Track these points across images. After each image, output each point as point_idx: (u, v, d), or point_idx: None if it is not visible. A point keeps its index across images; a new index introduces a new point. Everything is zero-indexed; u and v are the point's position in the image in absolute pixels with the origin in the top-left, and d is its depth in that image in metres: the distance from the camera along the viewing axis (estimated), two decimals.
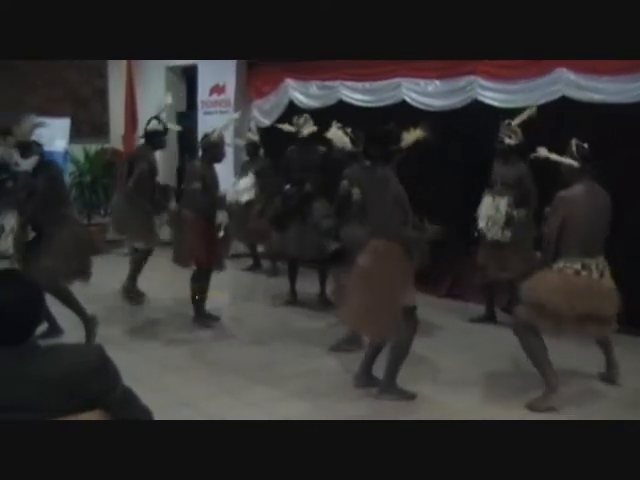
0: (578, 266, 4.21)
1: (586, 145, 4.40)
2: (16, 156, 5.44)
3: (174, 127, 7.33)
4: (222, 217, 5.94)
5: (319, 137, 6.16)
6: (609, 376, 4.76)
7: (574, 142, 4.40)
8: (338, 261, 5.35)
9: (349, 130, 5.68)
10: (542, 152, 4.56)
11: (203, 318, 6.12)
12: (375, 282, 4.24)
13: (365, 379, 4.61)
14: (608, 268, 4.33)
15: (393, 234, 4.22)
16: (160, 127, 6.38)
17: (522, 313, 4.29)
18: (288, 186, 6.66)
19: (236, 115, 7.36)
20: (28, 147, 5.40)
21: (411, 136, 4.32)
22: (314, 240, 6.45)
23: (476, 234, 5.82)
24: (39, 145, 5.53)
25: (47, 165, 5.47)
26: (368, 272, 4.27)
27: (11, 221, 5.41)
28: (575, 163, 4.32)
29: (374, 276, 4.24)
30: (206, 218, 5.89)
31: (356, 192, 4.99)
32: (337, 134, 5.67)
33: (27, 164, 5.38)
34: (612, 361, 4.74)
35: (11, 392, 1.87)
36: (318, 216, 6.37)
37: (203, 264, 5.98)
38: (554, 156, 4.45)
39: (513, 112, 5.81)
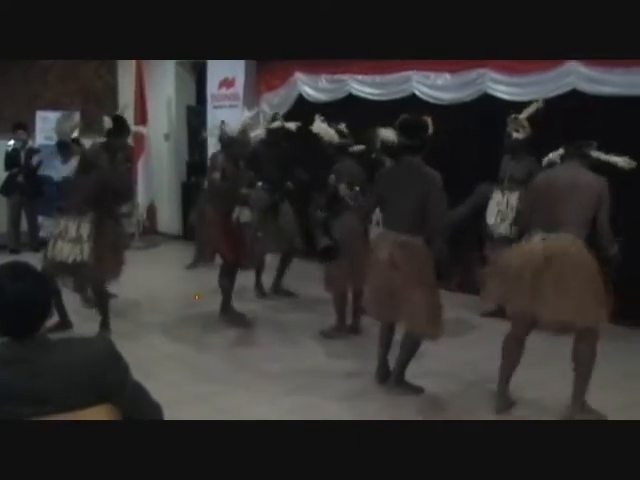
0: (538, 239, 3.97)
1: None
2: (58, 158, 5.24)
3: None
4: (243, 214, 5.82)
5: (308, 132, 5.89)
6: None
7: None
8: (329, 256, 5.17)
9: (343, 125, 5.57)
10: None
11: (230, 316, 6.00)
12: (399, 275, 4.24)
13: (384, 373, 4.62)
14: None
15: (420, 229, 4.23)
16: None
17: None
18: (260, 183, 6.32)
19: (251, 113, 6.91)
20: (68, 147, 5.19)
21: None
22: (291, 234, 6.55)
23: (487, 230, 5.81)
24: (80, 145, 5.33)
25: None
26: (391, 266, 4.27)
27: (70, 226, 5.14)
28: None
29: (398, 269, 4.25)
30: (226, 212, 5.76)
31: (342, 188, 4.99)
32: (322, 127, 5.50)
33: (68, 168, 5.14)
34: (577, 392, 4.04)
35: (23, 384, 1.86)
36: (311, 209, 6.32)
37: (228, 257, 5.81)
38: None
39: (521, 106, 5.77)
